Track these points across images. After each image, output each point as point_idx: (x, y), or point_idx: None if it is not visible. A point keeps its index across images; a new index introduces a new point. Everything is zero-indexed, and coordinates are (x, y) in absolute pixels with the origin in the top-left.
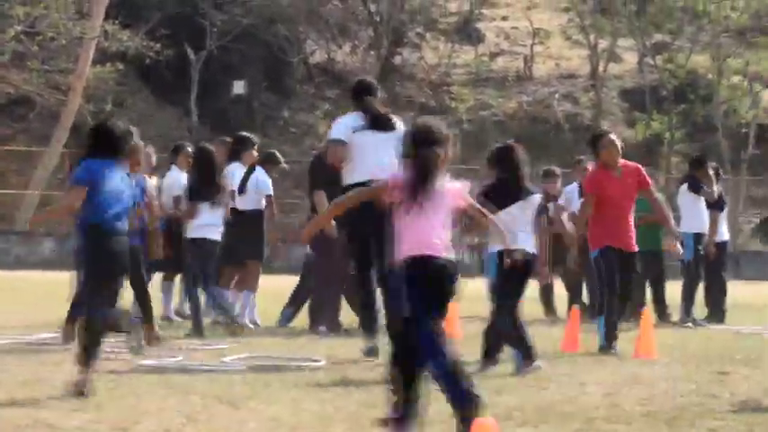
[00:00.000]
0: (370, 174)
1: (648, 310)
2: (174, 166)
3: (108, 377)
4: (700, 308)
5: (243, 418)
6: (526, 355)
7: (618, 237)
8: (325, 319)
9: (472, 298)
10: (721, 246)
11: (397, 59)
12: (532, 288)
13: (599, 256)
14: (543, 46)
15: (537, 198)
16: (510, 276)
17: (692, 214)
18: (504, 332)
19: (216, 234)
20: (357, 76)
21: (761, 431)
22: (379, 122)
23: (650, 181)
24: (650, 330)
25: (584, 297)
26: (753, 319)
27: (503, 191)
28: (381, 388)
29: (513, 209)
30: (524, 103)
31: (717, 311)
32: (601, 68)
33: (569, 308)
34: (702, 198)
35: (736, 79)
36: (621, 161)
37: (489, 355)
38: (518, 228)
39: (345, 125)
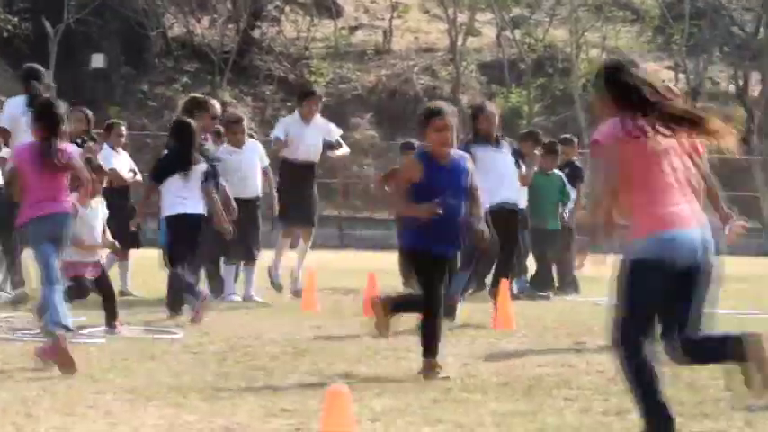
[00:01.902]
0: None
1: (506, 282)
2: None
3: None
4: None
5: (100, 389)
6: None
7: None
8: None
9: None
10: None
11: (256, 33)
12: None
13: None
14: (402, 20)
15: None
16: None
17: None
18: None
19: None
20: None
21: (617, 401)
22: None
23: None
24: (508, 302)
25: None
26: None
27: None
28: (236, 360)
29: None
30: (383, 77)
31: (561, 282)
32: (459, 42)
33: None
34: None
35: (594, 53)
36: None
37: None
38: None
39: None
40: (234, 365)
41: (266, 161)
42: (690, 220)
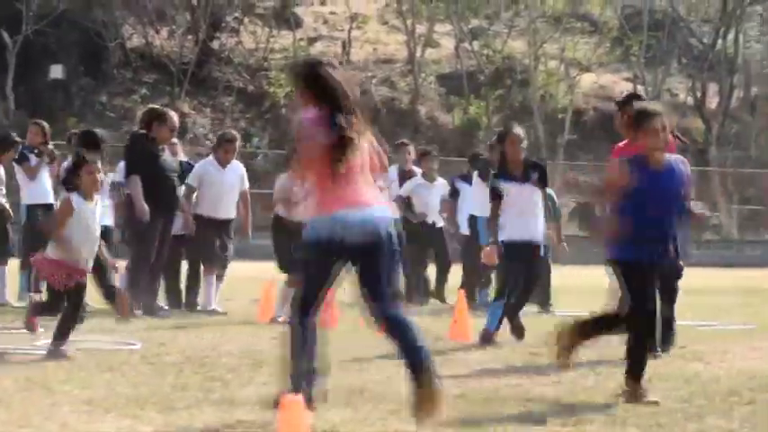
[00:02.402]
0: None
1: (462, 293)
2: None
3: None
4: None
5: (57, 401)
6: None
7: None
8: (141, 303)
9: None
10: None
11: (215, 44)
12: None
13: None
14: (361, 31)
15: None
16: None
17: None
18: None
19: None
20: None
21: (574, 412)
22: None
23: None
24: (465, 313)
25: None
26: (571, 302)
27: None
28: (194, 371)
29: None
30: None
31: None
32: (418, 54)
33: None
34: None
35: (552, 65)
36: None
37: None
38: None
39: None
40: (191, 377)
41: (246, 184)
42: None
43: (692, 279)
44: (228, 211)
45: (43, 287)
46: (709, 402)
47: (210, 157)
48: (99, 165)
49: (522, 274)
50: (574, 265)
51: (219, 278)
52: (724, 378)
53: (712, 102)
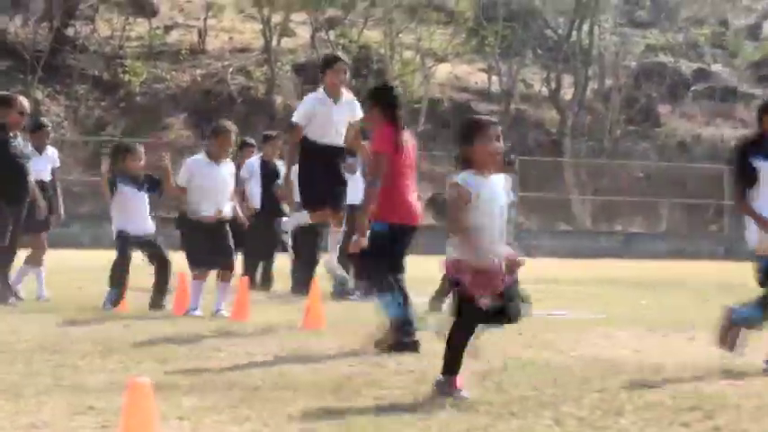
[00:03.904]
0: None
1: (317, 282)
2: None
3: None
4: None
5: None
6: None
7: None
8: None
9: None
10: None
11: (70, 31)
12: None
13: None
14: (217, 20)
15: None
16: None
17: None
18: None
19: None
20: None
21: (425, 400)
22: None
23: None
24: (319, 302)
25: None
26: (423, 291)
27: None
28: (45, 358)
29: None
30: (198, 77)
31: None
32: (274, 43)
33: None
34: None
35: (408, 55)
36: None
37: None
38: None
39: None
40: (42, 364)
41: (232, 184)
42: None
43: (545, 269)
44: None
45: None
46: (562, 390)
47: (202, 154)
48: None
49: None
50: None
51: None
52: (575, 366)
53: (567, 93)
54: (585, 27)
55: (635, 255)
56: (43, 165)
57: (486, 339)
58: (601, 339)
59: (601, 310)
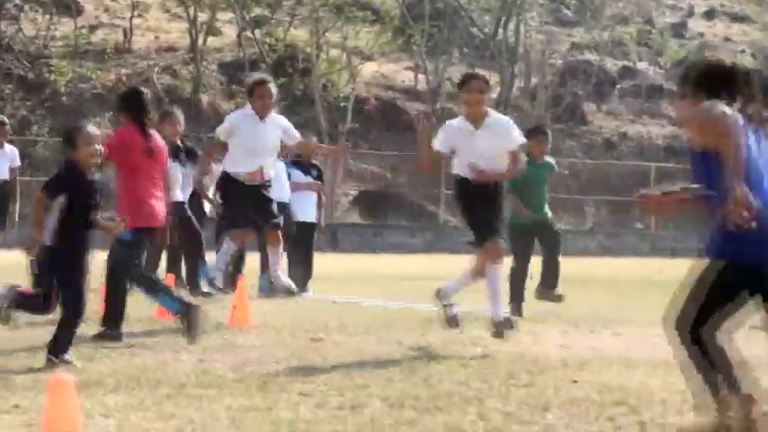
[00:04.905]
0: None
1: (244, 279)
2: None
3: None
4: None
5: None
6: None
7: None
8: None
9: None
10: None
11: None
12: None
13: None
14: (142, 19)
15: None
16: None
17: None
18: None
19: None
20: None
21: (351, 395)
22: None
23: None
24: (245, 299)
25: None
26: (348, 289)
27: None
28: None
29: None
30: (124, 76)
31: None
32: (200, 42)
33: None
34: None
35: (334, 53)
36: None
37: None
38: None
39: None
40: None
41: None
42: None
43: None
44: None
45: None
46: (488, 385)
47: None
48: None
49: None
50: (355, 253)
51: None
52: (501, 362)
53: (493, 91)
54: (511, 25)
55: (561, 251)
56: (2, 163)
57: (413, 335)
58: (525, 335)
59: (528, 306)
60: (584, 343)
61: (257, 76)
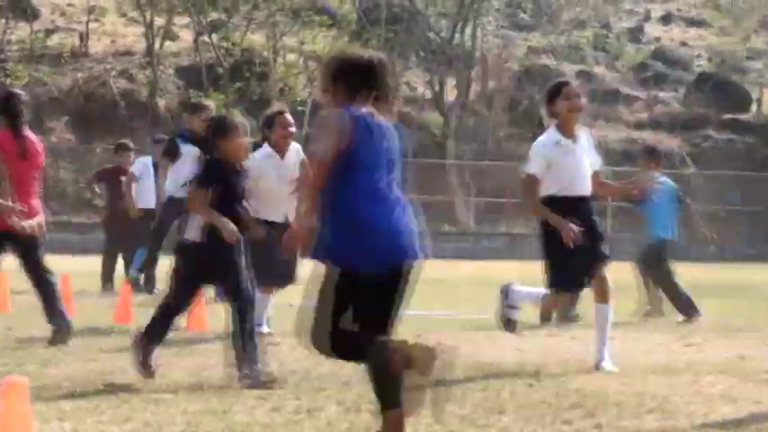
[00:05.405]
0: None
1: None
2: None
3: None
4: None
5: None
6: None
7: None
8: None
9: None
10: None
11: None
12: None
13: None
14: (99, 23)
15: None
16: None
17: None
18: None
19: None
20: None
21: (308, 399)
22: None
23: None
24: (200, 303)
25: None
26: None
27: None
28: None
29: None
30: (80, 80)
31: None
32: (157, 46)
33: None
34: None
35: (291, 57)
36: None
37: None
38: None
39: None
40: None
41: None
42: None
43: (430, 270)
44: None
45: None
46: (445, 389)
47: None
48: None
49: None
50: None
51: None
52: (459, 366)
53: (450, 95)
54: (468, 30)
55: (519, 256)
56: None
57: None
58: (484, 339)
59: (484, 310)
60: (540, 347)
61: (276, 107)
